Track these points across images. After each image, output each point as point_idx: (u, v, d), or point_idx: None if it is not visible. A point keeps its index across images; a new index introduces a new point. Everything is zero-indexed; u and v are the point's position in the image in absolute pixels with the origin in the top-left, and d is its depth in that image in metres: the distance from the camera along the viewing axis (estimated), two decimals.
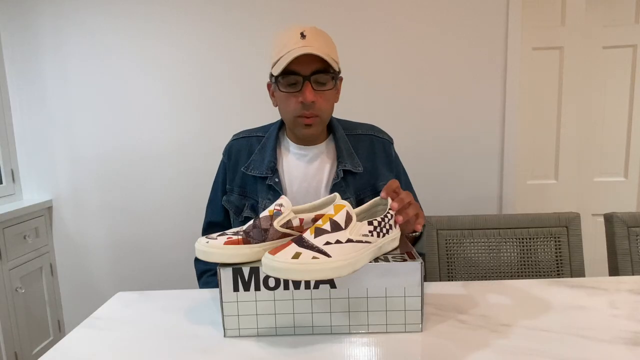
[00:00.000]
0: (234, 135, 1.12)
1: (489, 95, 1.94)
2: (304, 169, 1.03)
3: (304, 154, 1.03)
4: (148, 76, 1.97)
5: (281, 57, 0.90)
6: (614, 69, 2.02)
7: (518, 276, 1.27)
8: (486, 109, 1.94)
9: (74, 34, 1.94)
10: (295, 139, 1.04)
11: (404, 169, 1.13)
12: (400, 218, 0.74)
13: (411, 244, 0.93)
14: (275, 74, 0.92)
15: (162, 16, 1.93)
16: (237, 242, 0.69)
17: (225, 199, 1.07)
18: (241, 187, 1.05)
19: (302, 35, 0.90)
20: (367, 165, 1.04)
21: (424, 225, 0.95)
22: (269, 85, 1.01)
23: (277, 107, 1.00)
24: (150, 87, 1.98)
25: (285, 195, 1.01)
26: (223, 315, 0.68)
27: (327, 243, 0.61)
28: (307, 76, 0.91)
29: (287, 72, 0.91)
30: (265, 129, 1.09)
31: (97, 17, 1.93)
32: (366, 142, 1.07)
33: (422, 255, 1.00)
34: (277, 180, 1.00)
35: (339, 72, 0.98)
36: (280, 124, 1.07)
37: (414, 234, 0.92)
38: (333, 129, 1.05)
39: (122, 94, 1.98)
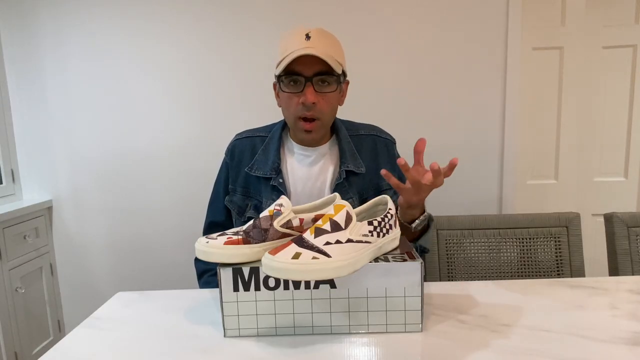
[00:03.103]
0: (237, 135, 1.11)
1: (489, 95, 1.93)
2: (308, 170, 1.03)
3: (307, 155, 1.03)
4: (148, 76, 1.97)
5: (284, 57, 0.90)
6: (614, 69, 2.02)
7: (518, 276, 1.27)
8: (486, 109, 1.94)
9: (74, 34, 1.94)
10: (299, 139, 1.04)
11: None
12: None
13: (417, 237, 0.93)
14: (277, 73, 0.93)
15: (162, 16, 1.92)
16: (237, 242, 0.69)
17: (228, 199, 1.07)
18: (244, 187, 1.05)
19: (307, 37, 0.90)
20: (369, 165, 1.04)
21: (430, 220, 0.94)
22: (274, 85, 1.02)
23: (281, 107, 1.01)
24: (150, 87, 1.98)
25: (290, 196, 1.01)
26: (223, 315, 0.68)
27: (327, 243, 0.61)
28: (309, 77, 0.91)
29: (289, 72, 0.91)
30: (268, 128, 1.09)
31: (97, 17, 1.93)
32: (369, 142, 1.07)
33: (426, 251, 0.99)
34: (281, 181, 1.00)
35: (345, 75, 0.98)
36: (284, 124, 1.07)
37: (413, 224, 0.90)
38: (336, 129, 1.05)
39: (122, 94, 1.98)
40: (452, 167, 0.76)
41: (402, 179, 1.07)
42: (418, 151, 0.81)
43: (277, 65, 0.93)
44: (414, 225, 0.89)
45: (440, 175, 0.77)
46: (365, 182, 1.03)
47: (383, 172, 0.81)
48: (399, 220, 0.90)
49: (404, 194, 0.84)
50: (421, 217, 0.90)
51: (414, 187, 0.81)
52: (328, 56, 0.89)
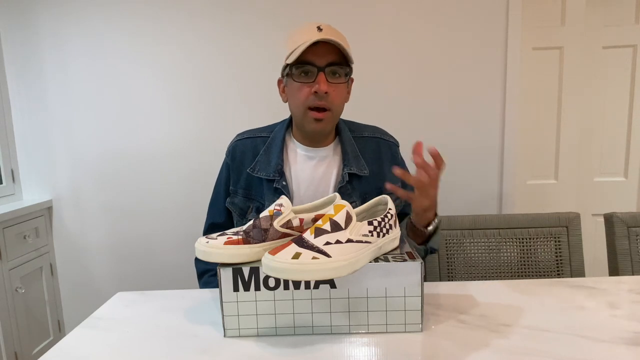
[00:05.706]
0: (238, 135, 1.10)
1: (489, 95, 1.93)
2: (311, 171, 1.02)
3: (311, 155, 1.02)
4: (148, 76, 1.97)
5: (297, 47, 0.89)
6: (614, 69, 2.02)
7: (518, 276, 1.27)
8: (486, 109, 1.94)
9: (74, 34, 1.94)
10: (303, 139, 1.02)
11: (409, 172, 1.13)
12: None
13: (426, 239, 0.92)
14: (289, 62, 0.91)
15: (162, 16, 1.92)
16: (237, 242, 0.69)
17: (229, 201, 1.06)
18: (246, 189, 1.04)
19: (319, 29, 0.90)
20: (373, 168, 1.03)
21: (439, 221, 0.94)
22: (279, 82, 1.01)
23: (287, 103, 1.00)
24: (150, 87, 1.98)
25: (292, 198, 1.00)
26: (223, 315, 0.68)
27: (327, 243, 0.61)
28: (322, 67, 0.90)
29: (301, 62, 0.90)
30: (269, 129, 1.08)
31: (97, 17, 1.93)
32: (372, 145, 1.06)
33: (435, 251, 0.99)
34: (284, 183, 0.99)
35: (351, 70, 0.98)
36: (287, 125, 1.06)
37: (429, 227, 0.91)
38: (340, 130, 1.04)
39: (123, 94, 1.98)
40: (435, 155, 0.80)
41: (404, 185, 1.07)
42: (417, 153, 0.81)
43: (288, 57, 0.92)
44: (430, 228, 0.90)
45: (428, 167, 0.80)
46: (368, 185, 1.02)
47: (388, 186, 0.81)
48: (414, 226, 0.90)
49: (414, 201, 0.85)
50: (436, 220, 0.91)
51: (420, 190, 0.82)
52: (341, 46, 0.89)
